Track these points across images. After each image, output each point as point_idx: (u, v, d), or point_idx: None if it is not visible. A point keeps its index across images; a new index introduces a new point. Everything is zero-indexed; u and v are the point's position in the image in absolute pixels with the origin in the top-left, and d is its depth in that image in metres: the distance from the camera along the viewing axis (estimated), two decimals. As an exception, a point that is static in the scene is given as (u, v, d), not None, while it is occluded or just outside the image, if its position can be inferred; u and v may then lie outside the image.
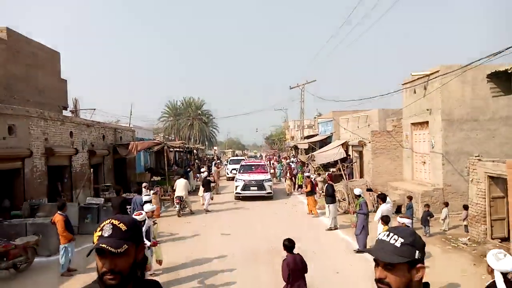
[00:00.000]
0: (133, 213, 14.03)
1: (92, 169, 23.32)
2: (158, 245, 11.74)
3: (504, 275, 5.22)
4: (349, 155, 30.57)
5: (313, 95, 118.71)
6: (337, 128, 35.53)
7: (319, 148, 35.77)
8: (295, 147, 50.16)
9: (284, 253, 8.42)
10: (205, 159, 63.11)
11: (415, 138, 22.65)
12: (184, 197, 21.96)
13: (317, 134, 43.70)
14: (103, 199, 19.31)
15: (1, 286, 11.55)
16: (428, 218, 16.28)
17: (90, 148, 23.80)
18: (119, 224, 2.69)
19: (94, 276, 2.82)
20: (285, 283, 8.10)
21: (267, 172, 29.26)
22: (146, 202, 14.01)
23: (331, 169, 30.27)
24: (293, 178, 31.24)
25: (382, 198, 13.45)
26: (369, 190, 20.16)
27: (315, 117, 63.18)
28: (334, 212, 17.65)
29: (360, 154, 28.39)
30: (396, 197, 20.35)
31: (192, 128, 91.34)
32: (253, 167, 30.16)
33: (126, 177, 29.00)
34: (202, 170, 33.70)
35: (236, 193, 26.91)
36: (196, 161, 51.84)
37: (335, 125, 35.85)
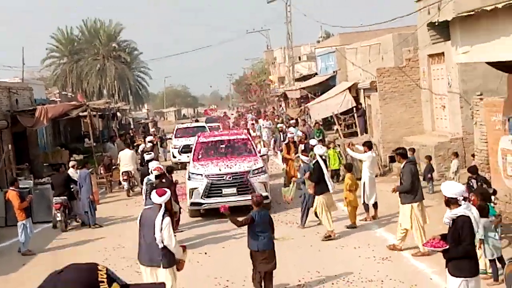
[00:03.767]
0: (80, 191, 15.46)
1: (10, 146, 18.93)
2: None
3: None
4: (360, 104, 25.20)
5: (305, 15, 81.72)
6: (343, 64, 28.05)
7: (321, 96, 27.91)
8: (284, 96, 37.95)
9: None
10: (138, 126, 44.52)
11: (434, 75, 19.56)
12: (133, 172, 19.93)
13: (316, 74, 34.04)
14: (31, 181, 17.91)
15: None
16: (430, 174, 15.85)
17: (-17, 118, 19.52)
18: None
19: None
20: None
21: (255, 155, 16.72)
22: (149, 160, 15.53)
23: (335, 127, 24.51)
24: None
25: (368, 146, 14.27)
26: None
27: (319, 41, 46.12)
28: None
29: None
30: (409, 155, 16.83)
31: (104, 74, 59.59)
32: (225, 145, 17.53)
33: (28, 157, 22.40)
34: (141, 147, 22.22)
35: (192, 203, 15.35)
36: (132, 128, 39.00)
37: (340, 59, 28.10)
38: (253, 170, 15.39)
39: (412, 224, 10.65)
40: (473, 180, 11.38)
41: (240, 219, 9.01)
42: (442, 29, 12.13)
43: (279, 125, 27.91)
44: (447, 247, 6.51)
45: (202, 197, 15.12)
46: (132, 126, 45.78)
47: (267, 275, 8.82)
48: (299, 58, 46.71)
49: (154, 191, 8.33)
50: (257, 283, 8.86)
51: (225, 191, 15.12)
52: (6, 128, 20.60)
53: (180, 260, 8.16)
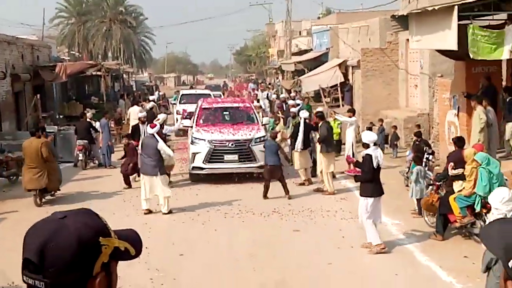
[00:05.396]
0: (100, 137, 18.48)
1: (38, 95, 21.88)
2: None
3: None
4: (348, 80, 27.77)
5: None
6: (335, 42, 30.66)
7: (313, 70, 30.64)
8: (280, 69, 40.40)
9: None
10: (142, 88, 47.16)
11: (410, 58, 22.13)
12: (140, 125, 21.29)
13: (311, 49, 36.86)
14: (56, 126, 20.35)
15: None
16: (396, 142, 18.48)
17: (12, 71, 22.26)
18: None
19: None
20: None
21: (258, 124, 17.17)
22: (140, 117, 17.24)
23: (324, 100, 26.70)
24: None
25: (353, 112, 17.14)
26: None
27: (319, 17, 48.10)
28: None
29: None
30: (378, 124, 20.24)
31: (109, 36, 62.61)
32: (227, 113, 17.72)
33: (45, 108, 24.87)
34: (148, 106, 23.28)
35: (194, 167, 15.66)
36: (135, 90, 42.35)
37: (333, 37, 30.77)
38: (255, 139, 15.54)
39: (323, 169, 14.12)
40: (417, 142, 14.45)
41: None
42: (404, 20, 14.99)
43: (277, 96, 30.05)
44: (357, 174, 9.90)
45: (204, 162, 15.40)
46: (134, 88, 48.37)
47: (281, 180, 13.64)
48: (300, 32, 48.86)
49: (148, 125, 13.52)
50: (265, 186, 13.53)
51: (227, 157, 15.44)
52: (28, 81, 23.59)
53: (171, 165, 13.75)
